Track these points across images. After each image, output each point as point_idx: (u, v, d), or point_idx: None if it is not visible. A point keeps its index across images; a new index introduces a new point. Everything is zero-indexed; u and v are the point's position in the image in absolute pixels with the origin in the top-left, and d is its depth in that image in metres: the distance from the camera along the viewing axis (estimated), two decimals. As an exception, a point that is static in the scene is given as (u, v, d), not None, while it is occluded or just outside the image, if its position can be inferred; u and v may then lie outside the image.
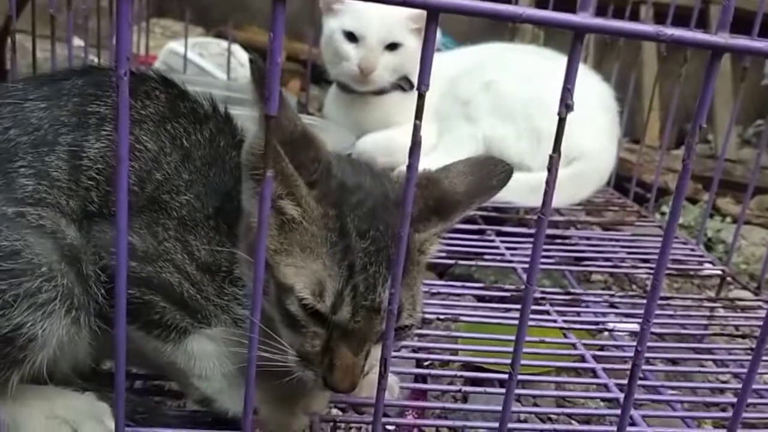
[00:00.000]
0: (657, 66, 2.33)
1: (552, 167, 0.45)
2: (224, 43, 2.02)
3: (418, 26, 1.31)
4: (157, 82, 0.58)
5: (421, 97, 0.44)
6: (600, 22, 0.42)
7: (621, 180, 1.55)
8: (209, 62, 2.00)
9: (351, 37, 1.29)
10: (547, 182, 0.46)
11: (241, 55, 2.18)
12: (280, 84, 0.45)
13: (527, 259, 0.98)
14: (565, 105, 0.44)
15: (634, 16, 2.13)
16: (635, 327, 0.95)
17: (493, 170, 0.58)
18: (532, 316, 0.68)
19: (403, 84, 1.34)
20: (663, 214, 1.61)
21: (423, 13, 1.34)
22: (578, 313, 0.85)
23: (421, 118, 0.44)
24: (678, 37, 0.43)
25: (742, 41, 0.43)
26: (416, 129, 0.44)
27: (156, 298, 0.52)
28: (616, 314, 0.94)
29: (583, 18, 0.42)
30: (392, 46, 1.29)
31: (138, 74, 0.58)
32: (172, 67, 1.87)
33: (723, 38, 0.43)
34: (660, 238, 1.14)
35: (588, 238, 1.13)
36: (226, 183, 0.54)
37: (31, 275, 0.49)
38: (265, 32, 2.34)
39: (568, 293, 0.90)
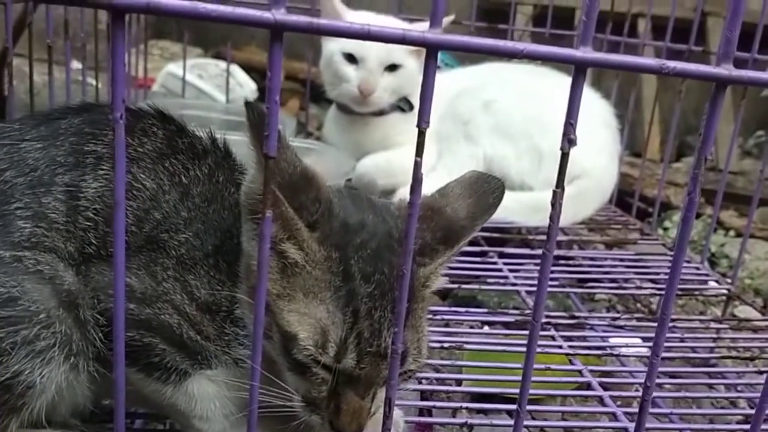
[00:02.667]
0: (656, 80, 2.33)
1: (556, 203, 0.44)
2: (223, 64, 2.03)
3: (417, 48, 1.31)
4: (154, 119, 0.57)
5: (421, 134, 0.43)
6: (601, 56, 0.42)
7: (623, 195, 1.54)
8: (208, 84, 2.00)
9: (351, 58, 1.29)
10: (551, 218, 0.45)
11: (240, 76, 2.18)
12: (280, 103, 0.44)
13: (530, 282, 0.98)
14: (568, 140, 0.43)
15: (633, 29, 2.13)
16: (642, 350, 0.94)
17: (488, 188, 0.57)
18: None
19: (402, 105, 1.34)
20: (666, 229, 1.60)
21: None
22: (584, 338, 0.84)
23: (422, 154, 0.44)
24: (681, 70, 0.42)
25: (746, 73, 0.42)
26: (417, 166, 0.43)
27: (155, 340, 0.51)
28: (622, 336, 0.93)
29: (585, 53, 0.41)
30: (392, 68, 1.29)
31: (135, 111, 0.57)
32: (171, 89, 1.87)
33: (727, 70, 0.42)
34: (663, 257, 1.14)
35: (592, 258, 1.12)
36: (225, 220, 0.54)
37: (29, 322, 0.48)
38: (264, 52, 2.35)
39: (573, 317, 0.89)
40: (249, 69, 2.36)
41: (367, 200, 0.55)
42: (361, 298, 0.48)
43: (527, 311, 0.88)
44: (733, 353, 0.86)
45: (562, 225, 1.22)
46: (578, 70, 0.42)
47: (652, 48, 2.11)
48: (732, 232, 1.71)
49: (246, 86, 2.16)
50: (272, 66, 0.41)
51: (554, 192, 0.44)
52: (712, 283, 1.04)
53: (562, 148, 0.43)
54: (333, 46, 1.31)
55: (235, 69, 2.15)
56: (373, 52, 1.27)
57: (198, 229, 0.53)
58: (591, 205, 1.25)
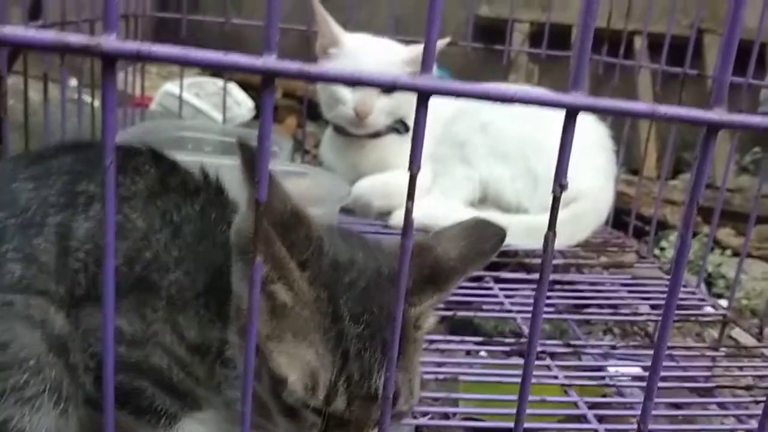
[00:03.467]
0: (652, 97, 2.34)
1: (548, 246, 0.44)
2: (220, 82, 2.03)
3: (413, 69, 1.31)
4: (146, 157, 0.57)
5: (412, 179, 0.43)
6: (593, 101, 0.42)
7: (620, 213, 1.54)
8: (205, 102, 2.01)
9: (346, 81, 1.29)
10: (543, 262, 0.44)
11: (237, 94, 2.19)
12: (277, 121, 0.44)
13: (526, 308, 0.98)
14: (560, 185, 0.43)
15: (630, 46, 2.14)
16: (638, 371, 0.93)
17: (485, 234, 0.56)
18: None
19: (398, 127, 1.34)
20: (662, 249, 1.60)
21: (419, 56, 1.34)
22: (580, 367, 0.84)
23: (413, 198, 0.43)
24: (673, 115, 0.42)
25: (738, 117, 0.42)
26: (408, 213, 0.43)
27: (145, 383, 0.50)
28: (619, 363, 0.93)
29: (576, 98, 0.41)
30: (388, 90, 1.29)
31: (128, 149, 0.57)
32: (168, 108, 1.87)
33: (718, 114, 0.42)
34: (660, 281, 1.14)
35: (588, 282, 1.12)
36: (216, 258, 0.53)
37: (18, 369, 0.48)
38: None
39: (569, 345, 0.89)
40: (247, 86, 2.37)
41: (358, 237, 0.55)
42: (350, 339, 0.47)
43: (523, 339, 0.88)
44: (729, 381, 0.86)
45: (557, 248, 1.22)
46: (569, 116, 0.42)
47: (648, 71, 2.12)
48: (729, 251, 1.71)
49: (243, 104, 2.17)
50: (263, 112, 0.40)
51: (546, 237, 0.44)
52: (708, 308, 1.04)
53: (553, 192, 0.43)
54: (329, 69, 1.31)
55: (233, 87, 2.15)
56: (370, 74, 1.27)
57: (189, 268, 0.53)
58: (587, 227, 1.25)
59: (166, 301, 0.51)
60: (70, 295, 0.51)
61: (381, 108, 1.29)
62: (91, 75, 1.33)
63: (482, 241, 0.56)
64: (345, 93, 1.29)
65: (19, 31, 0.38)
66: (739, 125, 0.43)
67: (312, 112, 1.75)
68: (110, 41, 0.38)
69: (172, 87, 1.91)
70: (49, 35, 0.38)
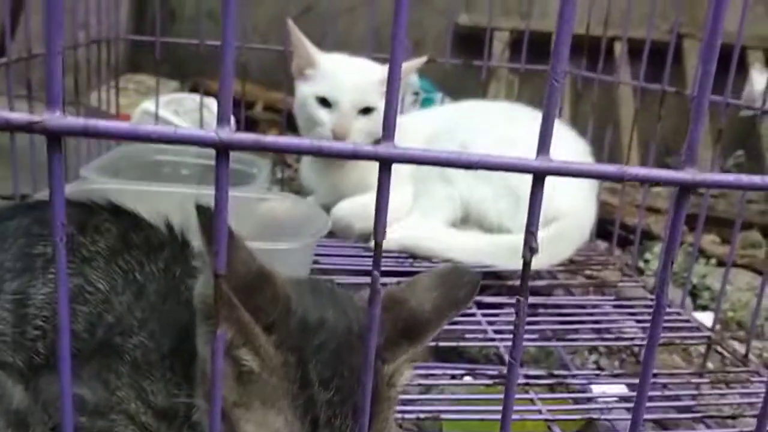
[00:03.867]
0: (633, 101, 2.33)
1: (521, 311, 0.42)
2: (198, 98, 2.01)
3: (391, 89, 1.29)
4: (107, 214, 0.55)
5: (377, 246, 0.41)
6: (561, 164, 0.40)
7: (603, 223, 1.53)
8: (184, 119, 1.98)
9: (324, 102, 1.27)
10: (515, 325, 0.43)
11: (216, 109, 2.16)
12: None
13: (509, 335, 0.96)
14: (530, 248, 0.41)
15: (610, 52, 2.13)
16: (623, 390, 0.93)
17: (459, 281, 0.55)
18: (515, 407, 0.65)
19: (378, 147, 1.33)
20: (647, 261, 1.59)
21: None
22: (564, 392, 0.83)
23: (380, 266, 0.42)
24: (644, 176, 0.41)
25: (711, 176, 0.41)
26: (375, 280, 0.41)
27: None
28: (604, 383, 0.92)
29: (542, 162, 0.40)
30: (366, 111, 1.28)
31: (87, 206, 0.55)
32: (147, 127, 1.85)
33: (690, 174, 0.41)
34: (644, 300, 1.13)
35: (573, 305, 1.11)
36: (181, 317, 0.52)
37: None
38: (239, 81, 2.32)
39: (552, 375, 0.88)
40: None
41: (328, 290, 0.53)
42: (320, 405, 0.46)
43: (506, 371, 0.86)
44: (714, 409, 0.85)
45: (540, 268, 1.21)
46: (537, 179, 0.41)
47: (629, 76, 2.11)
48: (713, 260, 1.70)
49: (223, 120, 2.15)
50: (219, 183, 0.39)
51: (517, 300, 0.43)
52: (694, 328, 1.03)
53: (523, 257, 0.42)
54: (306, 90, 1.30)
55: (211, 102, 2.12)
56: (347, 95, 1.26)
57: (153, 329, 0.51)
58: (569, 246, 1.23)
59: (131, 366, 0.50)
60: (28, 366, 0.49)
61: (359, 129, 1.27)
62: (75, 90, 1.29)
63: (456, 289, 0.54)
64: (322, 115, 1.27)
65: (-42, 110, 0.37)
66: (711, 183, 0.42)
67: (293, 124, 1.73)
68: (54, 118, 0.37)
69: (149, 105, 1.89)
70: (-10, 113, 0.37)
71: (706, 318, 1.41)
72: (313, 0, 2.65)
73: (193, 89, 2.47)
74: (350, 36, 2.63)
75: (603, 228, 1.51)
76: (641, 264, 1.57)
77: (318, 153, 0.39)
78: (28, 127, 0.37)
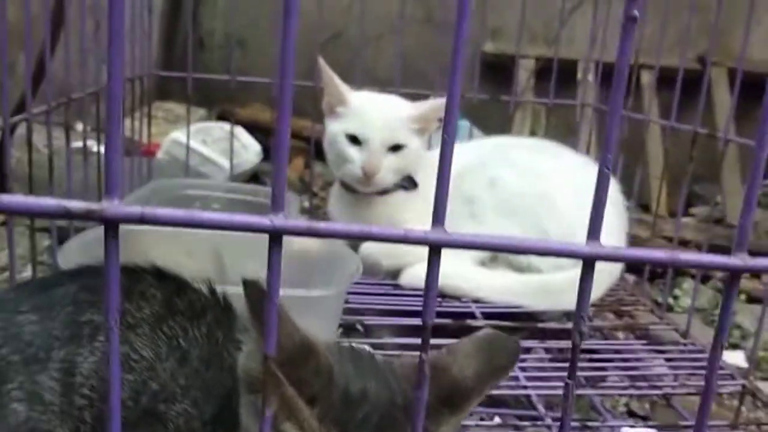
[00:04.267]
0: (660, 135, 2.32)
1: (569, 393, 0.42)
2: (227, 126, 2.02)
3: (419, 126, 1.30)
4: (151, 279, 0.56)
5: (425, 328, 0.41)
6: (611, 250, 0.40)
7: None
8: (213, 148, 2.00)
9: (354, 140, 1.28)
10: (563, 409, 0.43)
11: (245, 138, 2.18)
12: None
13: (541, 383, 0.96)
14: (579, 332, 0.41)
15: (637, 82, 2.12)
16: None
17: (500, 348, 0.55)
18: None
19: (406, 184, 1.33)
20: (676, 297, 1.58)
21: (425, 113, 1.34)
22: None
23: (428, 349, 0.42)
24: (695, 262, 0.41)
25: (761, 261, 0.41)
26: (422, 363, 0.41)
27: None
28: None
29: (592, 248, 0.40)
30: (395, 148, 1.29)
31: (133, 271, 0.56)
32: (175, 156, 1.87)
33: (741, 260, 0.41)
34: (676, 347, 1.12)
35: (604, 350, 1.09)
36: (224, 384, 0.52)
37: None
38: (268, 109, 2.34)
39: (585, 426, 0.87)
40: (254, 128, 2.37)
41: (369, 359, 0.53)
42: None
43: (539, 423, 0.86)
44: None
45: (570, 309, 1.20)
46: (587, 265, 0.41)
47: (656, 108, 2.10)
48: (743, 296, 1.68)
49: (250, 148, 2.17)
50: (271, 269, 0.39)
51: (566, 383, 0.42)
52: (727, 376, 1.01)
53: (573, 341, 0.42)
54: (336, 127, 1.31)
55: (240, 131, 2.15)
56: (377, 133, 1.26)
57: (196, 396, 0.51)
58: (600, 287, 1.23)
59: None
60: None
61: (388, 166, 1.28)
62: (97, 119, 1.31)
63: (498, 357, 0.54)
64: (352, 152, 1.28)
65: (19, 199, 0.37)
66: (761, 269, 0.42)
67: (320, 151, 1.73)
68: (113, 207, 0.37)
69: (179, 135, 1.91)
70: (51, 202, 0.37)
71: (736, 357, 1.40)
72: (340, 27, 2.67)
73: (220, 116, 2.50)
74: (378, 62, 2.65)
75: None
76: (670, 300, 1.56)
77: (368, 237, 0.40)
78: (87, 215, 0.38)
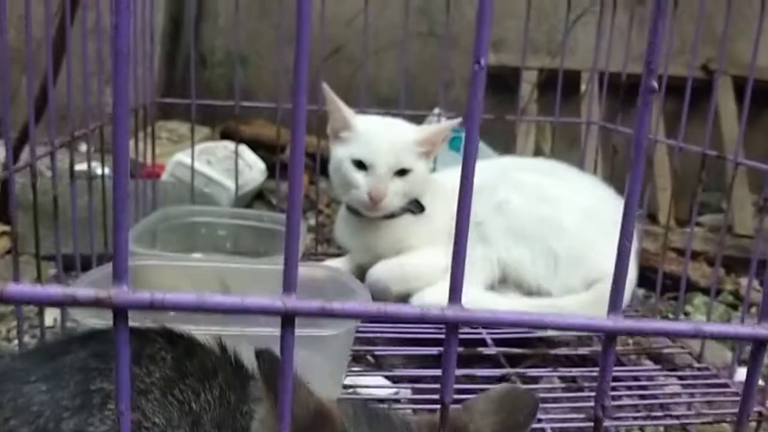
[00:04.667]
0: (667, 147, 2.31)
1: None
2: (231, 146, 2.02)
3: (425, 149, 1.29)
4: (162, 342, 0.55)
5: (444, 417, 0.40)
6: (633, 323, 0.39)
7: (643, 270, 1.50)
8: (217, 168, 1.99)
9: (360, 165, 1.27)
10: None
11: (249, 157, 2.18)
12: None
13: (555, 416, 0.95)
14: (602, 406, 0.40)
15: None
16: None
17: (518, 404, 0.54)
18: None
19: (413, 207, 1.32)
20: (687, 314, 1.56)
21: (430, 136, 1.33)
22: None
23: (447, 428, 0.41)
24: (719, 333, 0.40)
25: (788, 331, 0.40)
26: (445, 418, 0.40)
27: None
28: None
29: (615, 322, 0.39)
30: (401, 172, 1.28)
31: (142, 333, 0.55)
32: (180, 178, 1.87)
33: (765, 329, 0.40)
34: (692, 373, 1.10)
35: (619, 378, 1.08)
36: None
37: None
38: (272, 125, 2.32)
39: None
40: (258, 144, 2.36)
41: (385, 418, 0.52)
42: None
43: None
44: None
45: (583, 333, 1.19)
46: (609, 338, 0.40)
47: (662, 123, 2.09)
48: (754, 309, 1.67)
49: (255, 167, 2.16)
50: (284, 352, 0.38)
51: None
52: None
53: (596, 414, 0.41)
54: (342, 152, 1.30)
55: (244, 150, 2.14)
56: (383, 158, 1.25)
57: None
58: (612, 309, 1.21)
59: None
60: None
61: (395, 191, 1.27)
62: (101, 140, 1.29)
63: (516, 413, 0.53)
64: (358, 178, 1.27)
65: (26, 288, 0.37)
66: (790, 338, 0.40)
67: (325, 167, 1.70)
68: (122, 293, 0.36)
69: (183, 157, 1.91)
70: (57, 291, 0.37)
71: (750, 374, 1.38)
72: (341, 42, 2.67)
73: (224, 134, 2.50)
74: (379, 76, 2.64)
75: (643, 275, 1.49)
76: (682, 317, 1.54)
77: (384, 317, 0.39)
78: (96, 303, 0.37)
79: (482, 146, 2.57)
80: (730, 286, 1.76)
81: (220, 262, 1.08)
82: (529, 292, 1.24)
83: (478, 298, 1.21)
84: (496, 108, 2.67)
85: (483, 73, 0.37)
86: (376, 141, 1.27)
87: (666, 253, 1.85)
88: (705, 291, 1.67)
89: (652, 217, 2.42)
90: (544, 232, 1.24)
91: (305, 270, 1.09)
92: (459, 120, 1.33)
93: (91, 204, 1.16)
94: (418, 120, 1.52)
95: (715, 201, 2.55)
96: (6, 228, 1.60)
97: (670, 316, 1.54)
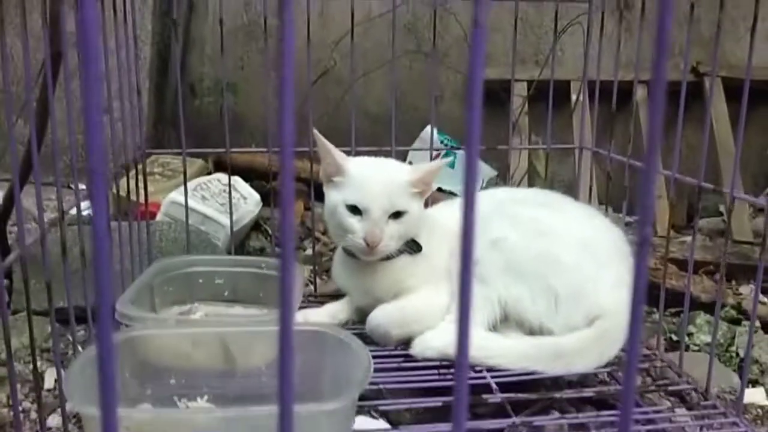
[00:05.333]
0: (667, 195, 2.30)
1: None
2: (225, 178, 2.01)
3: (419, 190, 1.29)
4: None
5: None
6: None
7: (647, 286, 1.49)
8: (212, 204, 1.99)
9: (354, 209, 1.27)
10: None
11: (243, 188, 2.17)
12: None
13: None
14: None
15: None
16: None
17: None
18: None
19: (410, 248, 1.32)
20: (690, 335, 1.56)
21: (423, 176, 1.33)
22: None
23: None
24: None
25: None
26: None
27: None
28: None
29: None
30: (396, 215, 1.27)
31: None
32: (175, 217, 1.86)
33: None
34: (698, 411, 1.10)
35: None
36: None
37: None
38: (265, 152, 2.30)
39: None
40: (251, 173, 2.36)
41: None
42: None
43: None
44: None
45: (587, 370, 1.19)
46: None
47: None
48: (757, 323, 1.66)
49: (250, 199, 2.16)
50: None
51: None
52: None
53: None
54: (336, 197, 1.29)
55: (237, 181, 2.14)
56: (377, 203, 1.25)
57: None
58: (616, 345, 1.21)
59: None
60: None
61: (391, 234, 1.26)
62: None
63: None
64: (353, 223, 1.27)
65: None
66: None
67: (320, 194, 1.67)
68: None
69: (177, 196, 1.90)
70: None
71: (756, 395, 1.38)
72: (328, 63, 2.66)
73: (217, 162, 2.49)
74: (368, 94, 2.64)
75: (648, 292, 1.48)
76: (686, 339, 1.54)
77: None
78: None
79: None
80: (732, 300, 1.75)
81: (220, 326, 1.07)
82: (531, 330, 1.24)
83: (479, 341, 1.21)
84: (490, 119, 2.67)
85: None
86: (370, 185, 1.26)
87: (657, 262, 1.85)
88: (706, 306, 1.67)
89: (650, 225, 2.41)
90: (543, 269, 1.24)
91: (304, 329, 1.08)
92: (450, 159, 1.33)
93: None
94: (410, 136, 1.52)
95: (712, 204, 2.55)
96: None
97: (673, 337, 1.54)
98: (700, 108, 2.46)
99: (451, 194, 2.26)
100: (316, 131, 1.31)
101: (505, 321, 1.27)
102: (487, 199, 1.42)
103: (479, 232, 1.22)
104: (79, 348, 1.18)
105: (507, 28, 2.34)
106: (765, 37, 2.49)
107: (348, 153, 1.41)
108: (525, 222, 1.30)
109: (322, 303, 1.45)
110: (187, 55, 2.67)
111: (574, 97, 2.43)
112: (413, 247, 1.32)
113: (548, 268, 1.24)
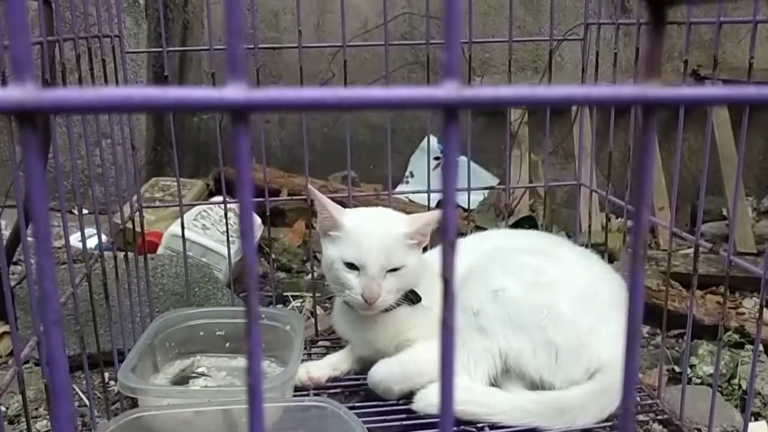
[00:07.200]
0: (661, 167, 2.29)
1: None
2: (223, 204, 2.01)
3: (415, 241, 1.29)
4: None
5: None
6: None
7: (645, 305, 1.49)
8: (213, 234, 1.99)
9: (352, 266, 1.27)
10: None
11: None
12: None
13: None
14: None
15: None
16: None
17: None
18: None
19: (409, 299, 1.32)
20: (692, 366, 1.55)
21: (420, 227, 1.32)
22: None
23: None
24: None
25: None
26: None
27: None
28: None
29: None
30: (393, 269, 1.27)
31: None
32: (176, 250, 1.86)
33: None
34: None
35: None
36: None
37: None
38: (257, 165, 2.29)
39: None
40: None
41: None
42: None
43: None
44: None
45: (588, 425, 1.19)
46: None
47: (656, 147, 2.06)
48: (760, 348, 1.65)
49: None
50: None
51: None
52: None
53: None
54: (333, 253, 1.29)
55: (236, 207, 2.13)
56: (374, 259, 1.25)
57: None
58: (617, 398, 1.21)
59: None
60: None
61: (388, 289, 1.26)
62: (93, 201, 1.22)
63: None
64: (351, 278, 1.27)
65: None
66: None
67: None
68: None
69: (177, 229, 1.90)
70: None
71: (759, 428, 1.38)
72: (325, 77, 2.64)
73: (217, 180, 2.47)
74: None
75: (650, 313, 1.48)
76: (688, 372, 1.54)
77: None
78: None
79: (478, 168, 2.57)
80: (734, 322, 1.75)
81: (225, 405, 1.08)
82: (533, 384, 1.24)
83: (480, 397, 1.21)
84: (490, 127, 2.65)
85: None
86: (366, 240, 1.26)
87: (654, 275, 1.84)
88: (709, 330, 1.66)
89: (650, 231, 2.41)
90: (543, 323, 1.24)
91: (306, 404, 1.09)
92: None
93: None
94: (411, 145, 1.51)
95: (715, 207, 2.53)
96: (6, 328, 1.60)
97: (676, 369, 1.54)
98: (701, 111, 2.43)
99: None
100: (311, 187, 1.31)
101: (507, 372, 1.27)
102: (487, 243, 1.42)
103: (480, 280, 1.22)
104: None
105: (505, 35, 2.31)
106: (766, 38, 2.45)
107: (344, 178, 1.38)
108: (526, 272, 1.29)
109: (322, 352, 1.46)
110: (184, 73, 2.65)
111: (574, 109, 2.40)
112: (412, 297, 1.32)
113: (548, 322, 1.24)
